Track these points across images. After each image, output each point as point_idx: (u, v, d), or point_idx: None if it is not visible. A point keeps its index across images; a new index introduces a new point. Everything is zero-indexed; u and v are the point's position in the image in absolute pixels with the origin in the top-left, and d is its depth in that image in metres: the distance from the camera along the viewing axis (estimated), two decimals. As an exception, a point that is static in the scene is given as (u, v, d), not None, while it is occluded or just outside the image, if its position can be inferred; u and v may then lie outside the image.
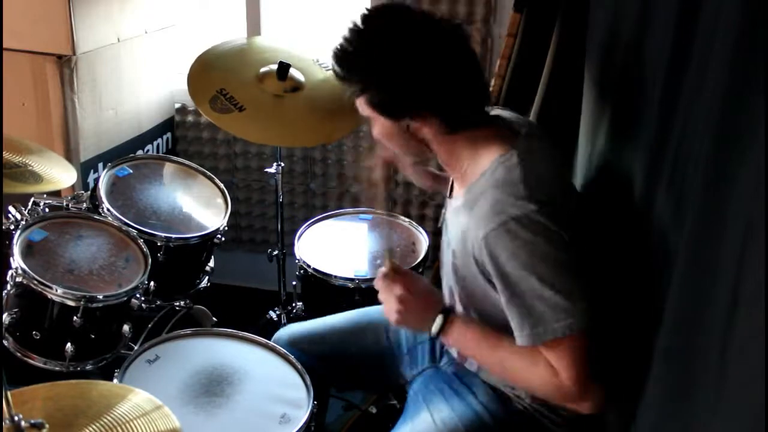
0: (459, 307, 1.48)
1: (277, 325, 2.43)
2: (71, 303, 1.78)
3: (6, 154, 1.93)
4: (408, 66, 1.32)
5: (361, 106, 1.40)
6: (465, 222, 1.35)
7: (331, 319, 1.82)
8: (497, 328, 1.40)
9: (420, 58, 1.32)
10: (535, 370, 1.31)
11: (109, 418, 1.25)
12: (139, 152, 2.65)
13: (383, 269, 1.41)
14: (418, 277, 1.43)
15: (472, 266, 1.34)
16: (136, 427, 1.24)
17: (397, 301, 1.38)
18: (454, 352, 1.57)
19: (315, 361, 1.74)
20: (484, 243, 1.27)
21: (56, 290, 1.77)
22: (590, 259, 1.32)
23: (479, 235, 1.28)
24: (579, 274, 1.27)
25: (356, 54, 1.35)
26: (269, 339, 1.79)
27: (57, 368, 1.83)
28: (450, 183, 1.53)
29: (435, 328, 1.38)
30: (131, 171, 2.25)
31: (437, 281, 2.28)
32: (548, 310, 1.25)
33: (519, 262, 1.25)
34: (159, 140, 2.79)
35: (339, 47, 1.37)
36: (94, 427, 1.22)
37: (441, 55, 1.33)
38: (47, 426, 1.15)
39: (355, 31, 1.35)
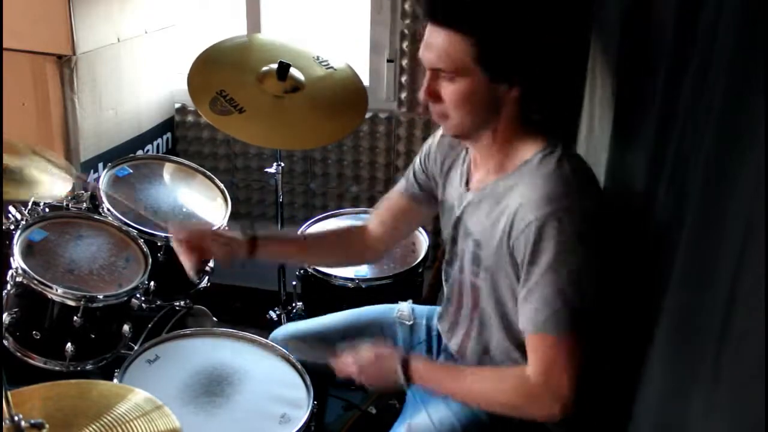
0: (468, 301, 1.49)
1: (277, 326, 2.42)
2: (71, 303, 1.78)
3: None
4: (536, 26, 1.27)
5: (450, 57, 1.26)
6: (501, 209, 1.33)
7: (327, 319, 1.81)
8: (508, 322, 1.41)
9: (547, 21, 1.28)
10: (503, 386, 1.36)
11: (109, 418, 1.24)
12: (139, 152, 2.65)
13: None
14: (362, 348, 1.49)
15: (503, 252, 1.33)
16: (136, 427, 1.24)
17: (357, 374, 1.46)
18: (454, 346, 1.57)
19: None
20: (535, 225, 1.25)
21: (56, 290, 1.77)
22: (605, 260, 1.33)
23: (528, 218, 1.26)
24: (598, 277, 1.29)
25: (487, 2, 1.25)
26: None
27: (57, 368, 1.83)
28: (465, 177, 1.49)
29: (401, 379, 1.43)
30: (131, 171, 2.25)
31: (437, 281, 2.28)
32: (564, 308, 1.27)
33: (558, 253, 1.25)
34: (159, 140, 2.79)
35: None
36: (94, 427, 1.22)
37: (563, 24, 1.32)
38: (47, 426, 1.15)
39: None
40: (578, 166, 1.34)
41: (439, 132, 1.56)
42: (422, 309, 1.76)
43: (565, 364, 1.28)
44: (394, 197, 1.68)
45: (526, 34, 1.26)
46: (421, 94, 1.33)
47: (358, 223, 1.77)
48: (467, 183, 1.48)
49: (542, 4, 1.28)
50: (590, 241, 1.27)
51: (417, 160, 1.62)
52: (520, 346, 1.40)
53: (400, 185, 1.67)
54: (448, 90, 1.30)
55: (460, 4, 1.26)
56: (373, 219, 1.71)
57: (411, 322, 1.72)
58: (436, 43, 1.28)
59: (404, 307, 1.76)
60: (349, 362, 1.48)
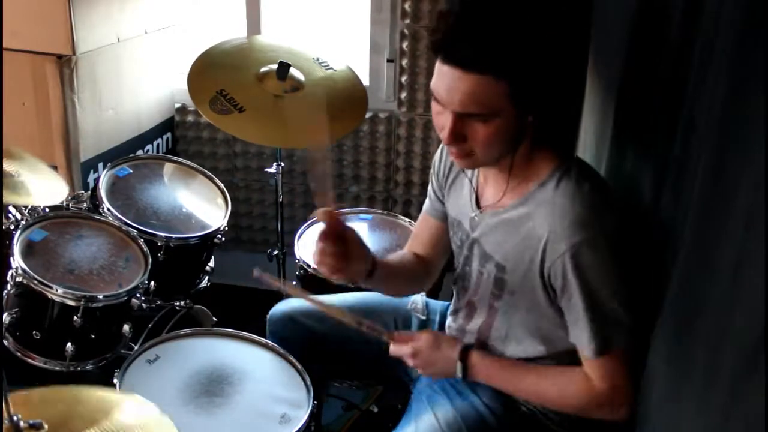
0: (481, 316, 1.49)
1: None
2: (71, 303, 1.78)
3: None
4: (561, 54, 1.27)
5: (483, 100, 1.22)
6: (524, 235, 1.33)
7: (333, 297, 1.77)
8: (521, 347, 1.43)
9: (567, 47, 1.30)
10: (569, 390, 1.37)
11: (107, 424, 1.24)
12: (139, 152, 2.65)
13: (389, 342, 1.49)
14: (423, 332, 1.49)
15: (535, 278, 1.33)
16: None
17: (411, 359, 1.46)
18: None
19: (310, 341, 1.72)
20: (569, 254, 1.26)
21: (56, 290, 1.77)
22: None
23: (561, 248, 1.27)
24: (633, 287, 1.31)
25: (515, 38, 1.19)
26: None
27: (57, 368, 1.83)
28: (474, 196, 1.47)
29: (459, 371, 1.44)
30: (131, 171, 2.25)
31: (438, 280, 2.28)
32: (614, 327, 1.29)
33: (598, 276, 1.27)
34: (159, 140, 2.79)
35: (482, 29, 1.19)
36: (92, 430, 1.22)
37: (576, 47, 1.31)
38: (46, 427, 1.15)
39: (502, 11, 1.20)
40: (597, 183, 1.34)
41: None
42: (435, 304, 1.76)
43: (624, 372, 1.31)
44: (423, 222, 1.66)
45: (554, 64, 1.25)
46: (446, 137, 1.28)
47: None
48: (477, 203, 1.46)
49: (561, 31, 1.27)
50: (623, 255, 1.29)
51: (431, 177, 1.60)
52: (531, 352, 1.43)
53: (425, 208, 1.64)
54: (481, 131, 1.26)
55: (493, 50, 1.19)
56: (413, 249, 1.68)
57: (425, 317, 1.72)
58: (465, 87, 1.22)
59: (418, 299, 1.75)
60: (406, 343, 1.47)
